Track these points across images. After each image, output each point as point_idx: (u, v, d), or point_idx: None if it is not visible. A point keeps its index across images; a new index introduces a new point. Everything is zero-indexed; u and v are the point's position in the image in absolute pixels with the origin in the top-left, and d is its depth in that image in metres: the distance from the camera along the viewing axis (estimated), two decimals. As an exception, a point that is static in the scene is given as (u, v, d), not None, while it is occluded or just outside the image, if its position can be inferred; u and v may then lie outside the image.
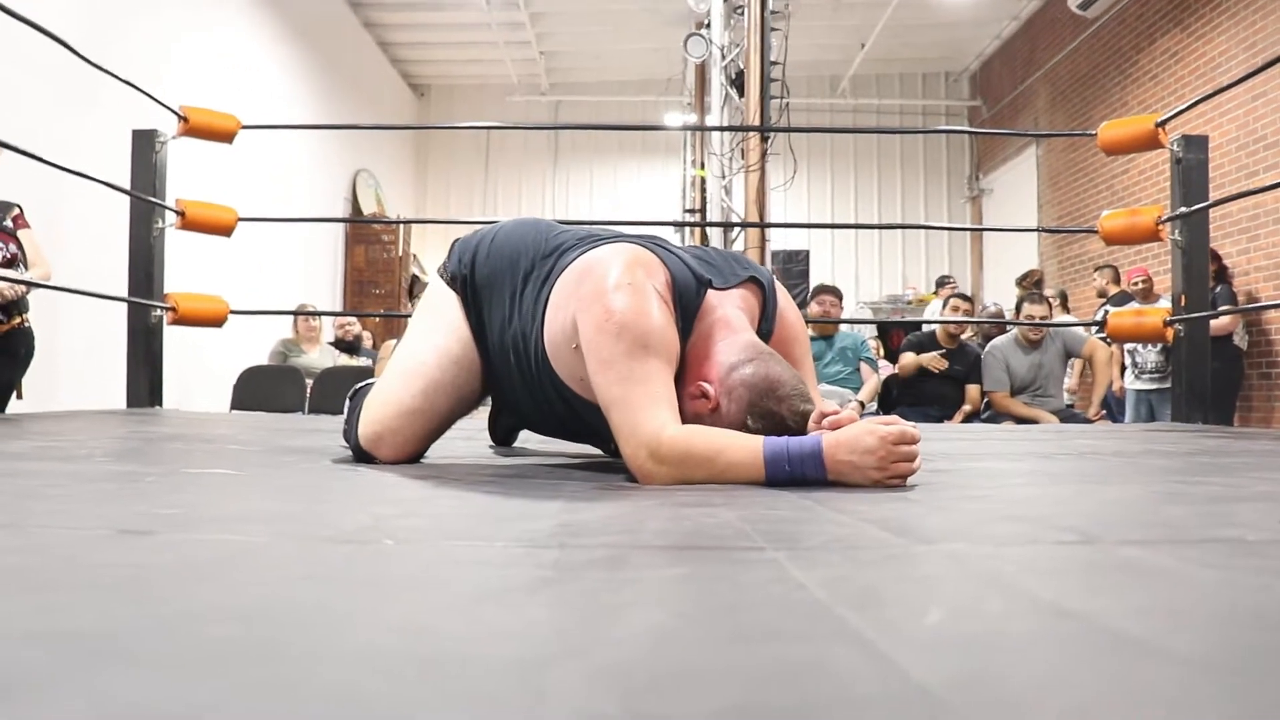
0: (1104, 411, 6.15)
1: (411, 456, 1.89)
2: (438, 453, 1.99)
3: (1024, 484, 1.51)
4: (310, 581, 0.70)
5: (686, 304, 1.70)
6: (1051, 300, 8.28)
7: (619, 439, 1.60)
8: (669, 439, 1.54)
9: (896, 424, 1.46)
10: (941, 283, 10.23)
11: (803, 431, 1.57)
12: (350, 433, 1.93)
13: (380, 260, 11.06)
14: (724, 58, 6.32)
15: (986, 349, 5.73)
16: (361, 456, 1.88)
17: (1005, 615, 0.62)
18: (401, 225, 11.34)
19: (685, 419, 1.63)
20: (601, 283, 1.66)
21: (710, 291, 1.74)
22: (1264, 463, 2.10)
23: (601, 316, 1.62)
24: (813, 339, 5.63)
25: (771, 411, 1.60)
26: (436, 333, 1.92)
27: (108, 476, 1.58)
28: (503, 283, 1.89)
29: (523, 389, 1.87)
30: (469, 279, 1.93)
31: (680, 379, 1.68)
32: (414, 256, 12.03)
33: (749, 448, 1.51)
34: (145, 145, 4.19)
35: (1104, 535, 0.96)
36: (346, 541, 0.89)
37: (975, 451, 2.53)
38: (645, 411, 1.58)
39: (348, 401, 2.03)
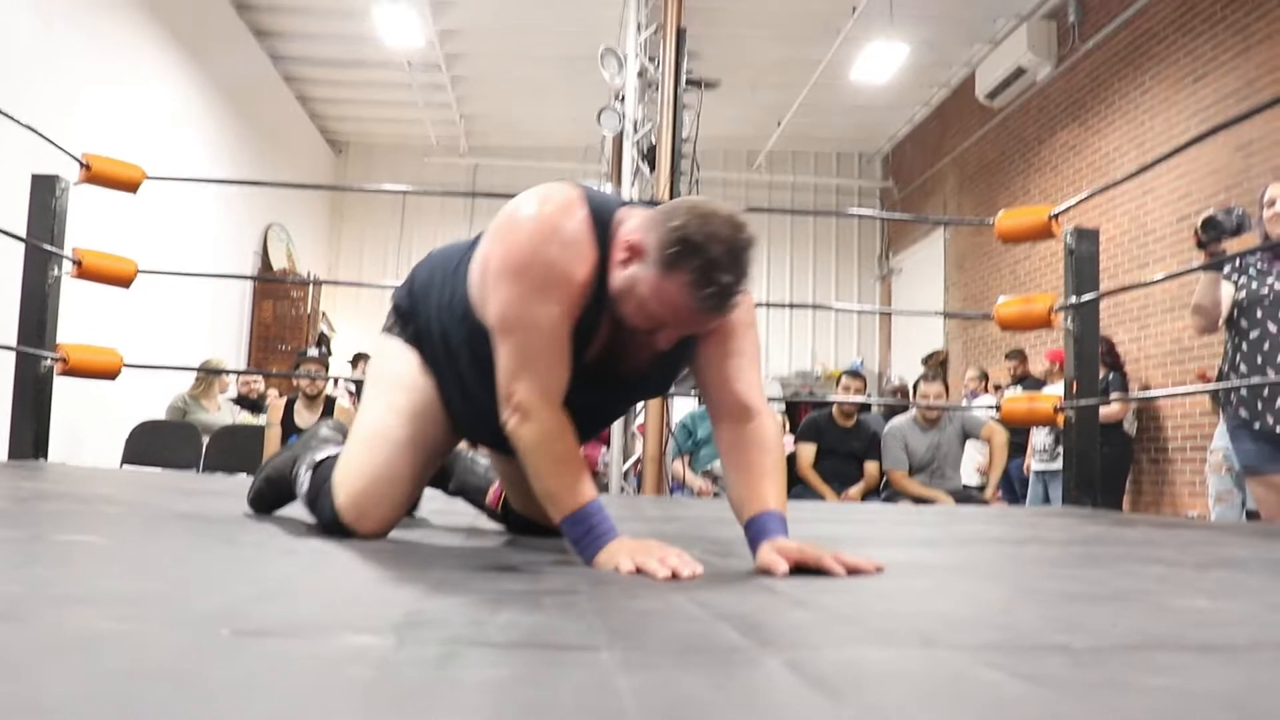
0: (1000, 493, 6.28)
1: (393, 524, 1.87)
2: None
3: (894, 577, 1.54)
4: (120, 677, 0.69)
5: (605, 221, 1.66)
6: (974, 380, 8.49)
7: (499, 376, 1.64)
8: (537, 419, 1.60)
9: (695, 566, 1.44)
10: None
11: (738, 260, 1.52)
12: (319, 505, 1.87)
13: (289, 316, 10.90)
14: (636, 132, 6.42)
15: (886, 428, 5.83)
16: (335, 530, 1.83)
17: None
18: (312, 283, 11.23)
19: (616, 290, 1.61)
20: (506, 218, 1.67)
21: (627, 207, 1.72)
22: (1134, 553, 2.16)
23: (499, 252, 1.64)
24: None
25: (695, 207, 1.55)
26: (389, 391, 1.89)
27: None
28: (432, 288, 1.89)
29: (475, 382, 1.81)
30: (408, 310, 1.93)
31: (609, 267, 1.64)
32: (323, 314, 11.90)
33: (579, 490, 1.57)
34: (44, 191, 4.12)
35: (942, 638, 0.99)
36: (184, 626, 0.87)
37: (863, 536, 2.56)
38: (524, 372, 1.61)
39: (308, 472, 1.97)
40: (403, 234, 13.62)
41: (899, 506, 5.01)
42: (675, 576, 1.38)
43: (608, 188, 10.84)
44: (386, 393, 1.90)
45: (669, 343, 1.63)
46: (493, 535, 2.13)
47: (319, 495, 1.87)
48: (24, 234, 4.00)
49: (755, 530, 1.59)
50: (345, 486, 1.81)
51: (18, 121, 3.63)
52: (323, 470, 1.91)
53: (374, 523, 1.81)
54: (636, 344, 1.70)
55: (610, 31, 8.82)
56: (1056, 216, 4.21)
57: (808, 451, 5.77)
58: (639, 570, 1.43)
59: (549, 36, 10.26)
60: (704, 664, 0.82)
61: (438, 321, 1.85)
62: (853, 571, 1.49)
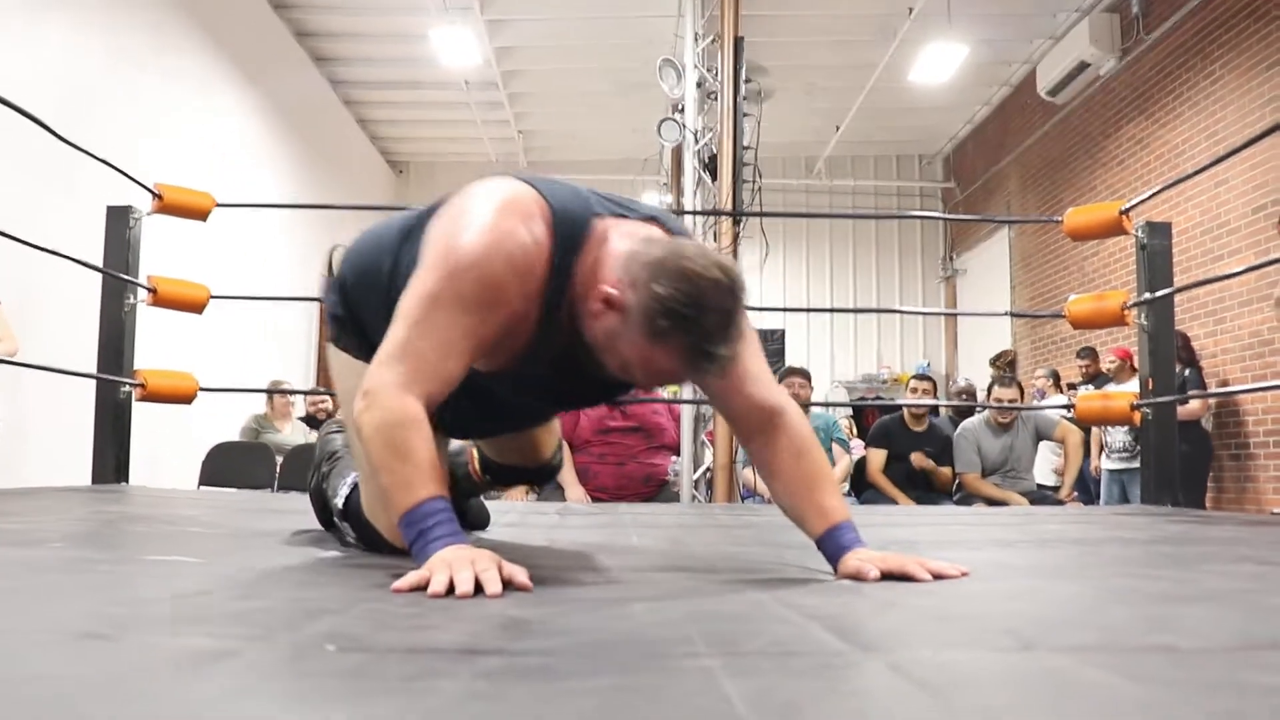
0: (1076, 494, 6.17)
1: None
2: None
3: (979, 579, 1.51)
4: (232, 696, 0.70)
5: (570, 235, 1.53)
6: (1043, 379, 8.37)
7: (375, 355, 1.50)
8: (380, 406, 1.42)
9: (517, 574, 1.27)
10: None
11: (731, 326, 1.40)
12: (374, 544, 1.81)
13: (355, 336, 11.01)
14: (697, 142, 6.41)
15: (958, 430, 5.76)
16: (373, 545, 1.80)
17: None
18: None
19: (593, 336, 1.49)
20: (461, 213, 1.54)
21: (600, 220, 1.56)
22: (1222, 553, 2.11)
23: (442, 247, 1.51)
24: (783, 420, 5.62)
25: (683, 271, 1.38)
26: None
27: (62, 565, 1.56)
28: (368, 293, 1.78)
29: None
30: (346, 317, 1.84)
31: (578, 311, 1.53)
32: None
33: (414, 487, 1.37)
34: (119, 222, 4.21)
35: (1040, 640, 0.97)
36: (290, 645, 0.88)
37: (939, 539, 2.53)
38: (396, 362, 1.45)
39: (343, 521, 1.90)
40: (464, 251, 13.71)
41: (973, 509, 4.94)
42: (479, 591, 1.20)
43: (667, 199, 10.87)
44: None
45: (649, 390, 1.55)
46: (564, 543, 2.13)
47: (365, 531, 1.83)
48: (101, 264, 4.09)
49: (832, 547, 1.53)
50: (380, 520, 1.77)
51: (92, 155, 3.72)
52: (353, 507, 1.85)
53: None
54: (598, 365, 1.56)
55: (664, 43, 8.85)
56: (1127, 212, 4.13)
57: (878, 457, 5.72)
58: (450, 590, 1.21)
59: (604, 50, 10.31)
60: (806, 668, 0.81)
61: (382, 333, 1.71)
62: (938, 577, 1.46)
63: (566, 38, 10.13)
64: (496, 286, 1.47)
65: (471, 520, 2.32)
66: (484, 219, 1.50)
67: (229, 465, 6.10)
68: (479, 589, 1.20)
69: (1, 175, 5.32)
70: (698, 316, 1.37)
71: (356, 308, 1.82)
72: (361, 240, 1.90)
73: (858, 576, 1.44)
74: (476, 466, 2.22)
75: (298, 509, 2.97)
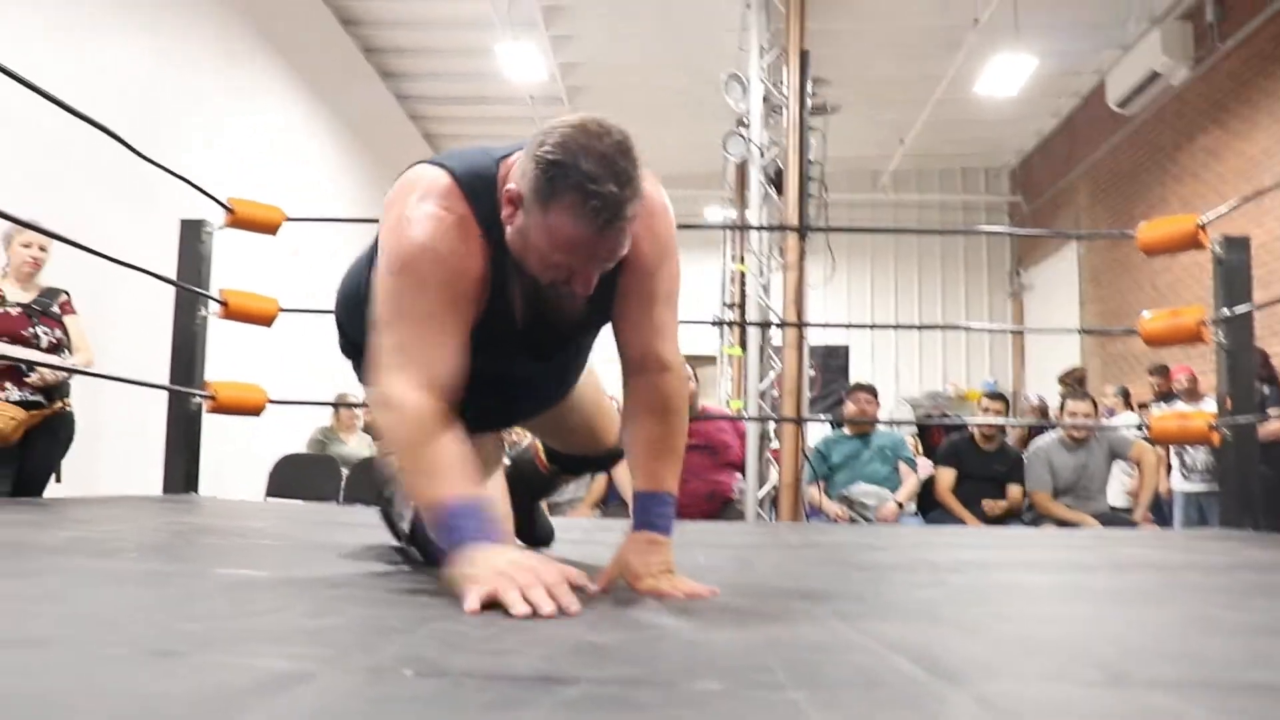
0: (1152, 516, 6.02)
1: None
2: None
3: (1058, 603, 1.47)
4: (310, 718, 0.69)
5: (482, 185, 1.55)
6: (1112, 397, 8.19)
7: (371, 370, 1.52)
8: (394, 408, 1.44)
9: (566, 573, 1.29)
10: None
11: (614, 164, 1.39)
12: (419, 542, 1.84)
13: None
14: (762, 156, 6.38)
15: (1030, 448, 5.65)
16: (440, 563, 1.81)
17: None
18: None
19: (512, 246, 1.50)
20: (384, 223, 1.58)
21: (505, 160, 1.57)
22: (1312, 580, 2.04)
23: (383, 259, 1.55)
24: (849, 438, 5.57)
25: (557, 130, 1.41)
26: None
27: (137, 577, 1.58)
28: (351, 315, 1.85)
29: None
30: (346, 346, 1.95)
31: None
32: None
33: (439, 486, 1.38)
34: (192, 236, 4.28)
35: (1133, 674, 0.93)
36: (366, 667, 0.87)
37: (1012, 561, 2.48)
38: (392, 364, 1.47)
39: (410, 546, 1.93)
40: (528, 265, 13.81)
41: (1044, 530, 4.85)
42: (535, 614, 1.18)
43: (731, 213, 10.85)
44: None
45: (589, 287, 1.50)
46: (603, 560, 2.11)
47: (430, 548, 1.80)
48: (174, 277, 4.15)
49: (640, 510, 1.58)
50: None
51: (167, 170, 3.77)
52: (419, 531, 1.85)
53: None
54: (561, 297, 1.58)
55: (727, 58, 8.84)
56: (1204, 225, 4.04)
57: (947, 476, 5.63)
58: (490, 603, 1.21)
59: (667, 65, 10.34)
60: (892, 700, 0.78)
61: None
62: (691, 596, 1.45)
63: (630, 53, 10.18)
64: (445, 261, 1.50)
65: (537, 534, 2.32)
66: (410, 212, 1.53)
67: (296, 477, 6.17)
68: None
69: (78, 189, 5.44)
70: (575, 161, 1.37)
71: (354, 334, 1.85)
72: (348, 269, 1.98)
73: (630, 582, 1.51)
74: (543, 458, 2.23)
75: (365, 522, 2.99)
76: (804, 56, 6.13)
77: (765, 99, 6.66)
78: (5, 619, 1.11)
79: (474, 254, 1.53)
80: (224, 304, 4.22)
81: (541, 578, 1.25)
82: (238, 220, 4.28)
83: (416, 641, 0.99)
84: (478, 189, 1.54)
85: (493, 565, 1.26)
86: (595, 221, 1.39)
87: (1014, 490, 5.59)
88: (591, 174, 1.37)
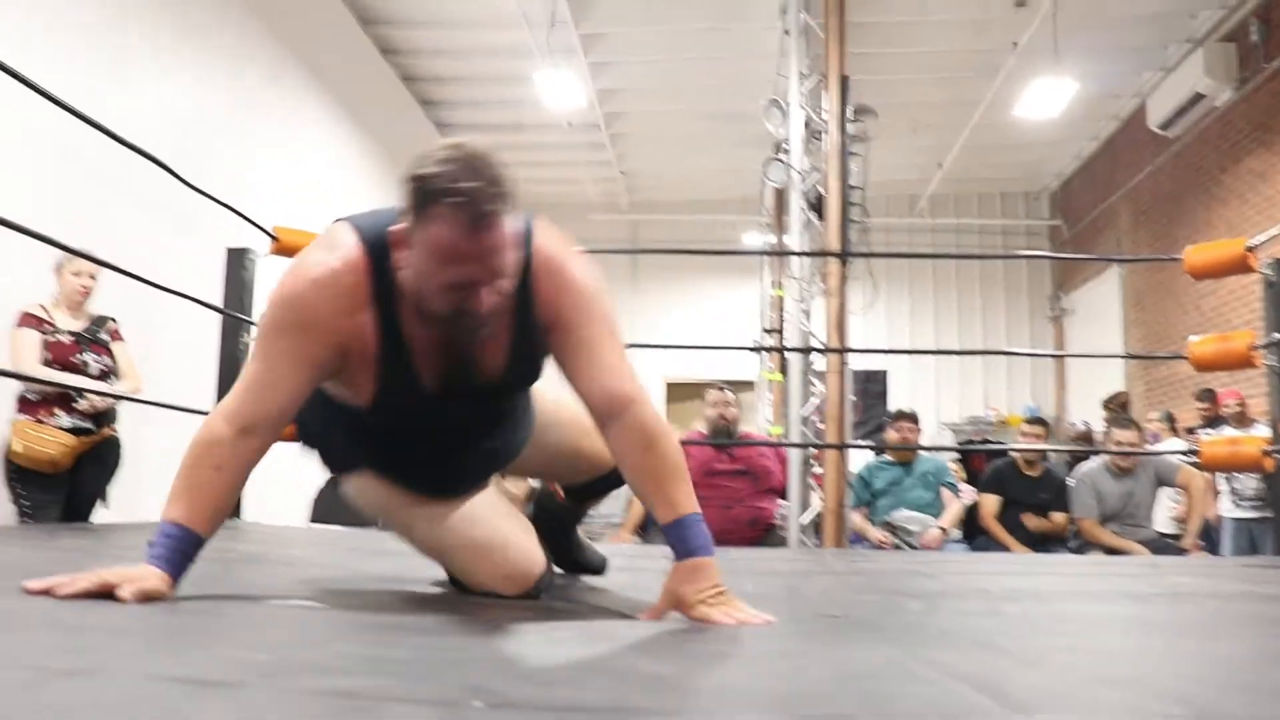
0: (1202, 544, 5.92)
1: (541, 577, 1.86)
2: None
3: (1117, 634, 1.44)
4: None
5: (381, 237, 1.58)
6: (1157, 423, 8.07)
7: None
8: (200, 432, 1.57)
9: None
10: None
11: (471, 165, 1.47)
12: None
13: (462, 373, 11.19)
14: (803, 181, 6.37)
15: (1076, 475, 5.58)
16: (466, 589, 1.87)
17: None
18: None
19: (410, 288, 1.55)
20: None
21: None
22: (1375, 610, 1.99)
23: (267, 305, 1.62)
24: (892, 465, 5.54)
25: (422, 154, 1.49)
26: (412, 521, 1.94)
27: (190, 607, 1.58)
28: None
29: (391, 443, 1.85)
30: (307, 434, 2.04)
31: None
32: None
33: (173, 504, 1.54)
34: (238, 263, 4.31)
35: (1214, 708, 0.91)
36: (447, 705, 0.86)
37: (1063, 590, 2.44)
38: (231, 394, 1.60)
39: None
40: (567, 291, 13.84)
41: (1092, 558, 4.78)
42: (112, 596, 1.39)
43: (770, 239, 10.84)
44: (412, 524, 1.89)
45: (485, 303, 1.51)
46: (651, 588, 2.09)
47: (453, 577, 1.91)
48: (220, 304, 4.19)
49: (676, 540, 1.57)
50: (492, 584, 1.81)
51: (213, 199, 3.81)
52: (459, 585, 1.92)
53: (519, 584, 1.80)
54: (473, 344, 1.61)
55: (765, 84, 8.85)
56: (1253, 248, 3.98)
57: (991, 502, 5.57)
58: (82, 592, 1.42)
59: (706, 91, 10.37)
60: (967, 736, 0.77)
61: (323, 423, 1.90)
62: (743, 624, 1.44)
63: (668, 80, 10.22)
64: (306, 307, 1.56)
65: (585, 563, 2.31)
66: (301, 259, 1.61)
67: (337, 503, 6.18)
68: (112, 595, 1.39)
69: (126, 216, 5.51)
70: (437, 171, 1.45)
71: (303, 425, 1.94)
72: None
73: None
74: (559, 489, 2.25)
75: (408, 550, 2.99)
76: (844, 82, 6.12)
77: (806, 124, 6.65)
78: (59, 648, 1.10)
79: (353, 314, 1.58)
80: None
81: (105, 580, 1.44)
82: (283, 248, 4.31)
83: (480, 672, 0.98)
84: (376, 239, 1.59)
85: (110, 570, 1.47)
86: (466, 220, 1.45)
87: (1059, 517, 5.53)
88: (452, 175, 1.44)
